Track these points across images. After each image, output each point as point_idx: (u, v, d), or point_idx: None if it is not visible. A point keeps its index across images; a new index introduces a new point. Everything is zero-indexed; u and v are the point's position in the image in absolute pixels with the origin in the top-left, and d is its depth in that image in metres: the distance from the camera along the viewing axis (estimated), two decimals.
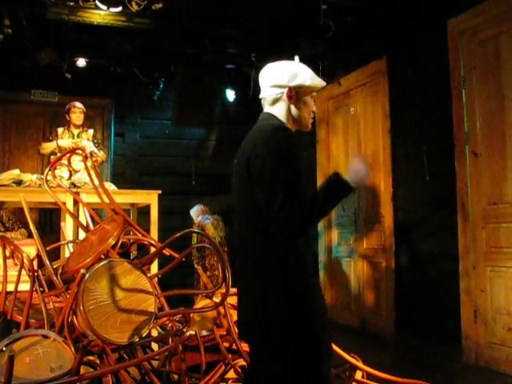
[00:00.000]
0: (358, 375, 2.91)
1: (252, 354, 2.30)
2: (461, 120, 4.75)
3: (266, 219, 2.05)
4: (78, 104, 5.97)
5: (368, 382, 2.92)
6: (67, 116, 5.99)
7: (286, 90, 2.24)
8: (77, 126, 6.02)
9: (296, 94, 2.26)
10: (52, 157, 5.85)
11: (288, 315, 2.09)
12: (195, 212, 7.00)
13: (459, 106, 4.78)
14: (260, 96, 2.34)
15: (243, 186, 2.19)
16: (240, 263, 2.25)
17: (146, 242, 3.14)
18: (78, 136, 6.03)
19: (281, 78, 2.25)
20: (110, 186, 5.15)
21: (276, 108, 2.29)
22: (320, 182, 7.18)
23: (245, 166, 2.16)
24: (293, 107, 2.28)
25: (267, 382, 2.18)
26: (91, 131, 6.18)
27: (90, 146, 5.69)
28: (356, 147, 6.53)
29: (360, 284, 6.38)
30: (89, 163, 3.42)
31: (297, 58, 2.36)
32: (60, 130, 6.06)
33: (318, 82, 2.32)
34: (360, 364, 2.94)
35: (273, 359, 2.12)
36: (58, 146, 5.73)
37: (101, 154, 6.17)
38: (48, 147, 5.91)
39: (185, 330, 2.65)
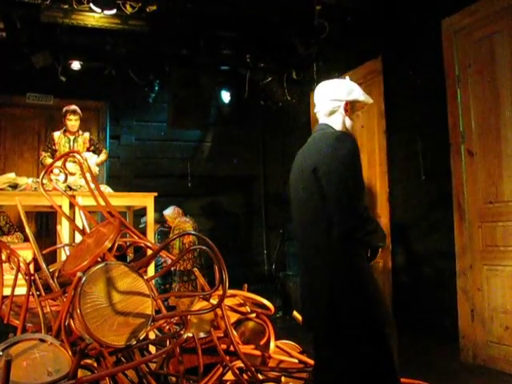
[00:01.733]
0: None
1: (319, 342, 2.48)
2: (456, 119, 4.75)
3: (332, 218, 2.33)
4: (75, 110, 5.93)
5: None
6: (63, 120, 5.98)
7: (343, 104, 2.60)
8: (72, 133, 6.02)
9: (351, 108, 2.63)
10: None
11: (354, 302, 2.34)
12: (171, 213, 6.89)
13: (454, 105, 4.79)
14: (316, 109, 2.69)
15: (309, 191, 2.45)
16: (303, 259, 2.54)
17: (142, 245, 3.14)
18: (74, 140, 6.03)
19: (339, 93, 2.60)
20: (106, 189, 5.14)
21: (332, 119, 2.63)
22: None
23: (311, 173, 2.43)
24: (347, 119, 2.64)
25: (337, 367, 2.38)
26: (87, 134, 6.17)
27: (90, 156, 5.70)
28: None
29: None
30: (84, 166, 3.42)
31: (347, 77, 2.75)
32: (56, 135, 6.04)
33: (368, 98, 2.70)
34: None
35: (342, 344, 2.35)
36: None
37: (103, 154, 6.18)
38: (48, 163, 5.92)
39: (182, 332, 2.64)
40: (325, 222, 2.37)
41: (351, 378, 2.36)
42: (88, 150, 6.07)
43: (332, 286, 2.35)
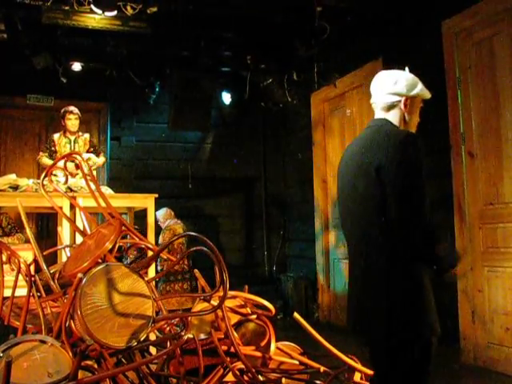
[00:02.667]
0: (357, 377, 2.90)
1: (373, 345, 2.45)
2: (456, 120, 4.76)
3: (393, 217, 2.23)
4: (73, 110, 5.94)
5: (367, 383, 2.92)
6: (62, 121, 5.98)
7: (403, 99, 2.47)
8: (72, 133, 6.02)
9: (411, 103, 2.49)
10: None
11: (409, 307, 2.29)
12: (163, 215, 6.85)
13: (455, 106, 4.79)
14: (372, 101, 2.55)
15: (369, 189, 2.31)
16: (357, 261, 2.41)
17: (143, 246, 3.14)
18: (74, 141, 6.03)
19: (400, 87, 2.49)
20: (107, 190, 5.14)
21: (390, 114, 2.48)
22: (316, 184, 7.19)
23: (374, 172, 2.27)
24: (406, 114, 2.49)
25: (391, 370, 2.35)
26: (87, 135, 6.17)
27: (92, 157, 5.71)
28: None
29: None
30: (85, 168, 3.42)
31: (407, 68, 2.69)
32: (56, 136, 6.05)
33: (428, 93, 2.61)
34: (359, 365, 2.94)
35: (393, 349, 2.32)
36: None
37: (102, 157, 6.18)
38: (47, 164, 5.92)
39: (183, 333, 2.64)
40: (384, 224, 2.28)
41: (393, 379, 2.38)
42: (87, 151, 6.08)
43: (388, 290, 2.30)
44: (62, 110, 5.98)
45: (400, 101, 2.47)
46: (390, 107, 2.48)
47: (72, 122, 5.92)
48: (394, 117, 2.48)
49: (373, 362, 2.51)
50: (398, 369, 2.35)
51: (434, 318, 2.39)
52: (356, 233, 2.43)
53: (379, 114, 2.51)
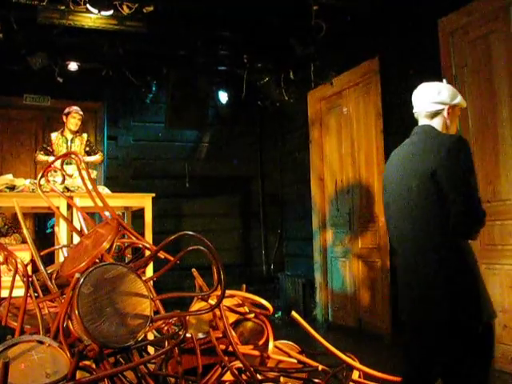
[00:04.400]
0: (355, 375, 2.91)
1: (429, 336, 2.62)
2: None
3: (460, 210, 2.47)
4: (79, 110, 6.07)
5: (365, 381, 2.93)
6: (64, 118, 6.02)
7: (446, 107, 2.73)
8: (72, 131, 6.04)
9: (452, 111, 2.75)
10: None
11: (469, 296, 2.50)
12: None
13: None
14: (415, 110, 2.83)
15: (425, 191, 2.57)
16: (412, 257, 2.62)
17: (140, 246, 3.14)
18: (71, 141, 6.04)
19: (444, 96, 2.73)
20: (104, 190, 5.14)
21: (434, 121, 2.75)
22: (313, 182, 7.20)
23: (430, 175, 2.53)
24: (448, 121, 2.76)
25: (449, 360, 2.57)
26: (85, 135, 6.21)
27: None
28: (349, 147, 6.54)
29: (355, 284, 6.39)
30: (82, 167, 3.41)
31: (445, 80, 2.95)
32: (53, 136, 6.06)
33: (465, 102, 2.88)
34: (357, 364, 2.95)
35: (459, 336, 2.53)
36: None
37: (99, 155, 6.20)
38: (42, 161, 5.94)
39: (181, 332, 2.64)
40: (440, 220, 2.53)
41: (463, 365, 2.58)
42: (84, 150, 6.10)
43: (448, 282, 2.51)
44: (67, 109, 6.09)
45: (443, 109, 2.73)
46: (434, 115, 2.75)
47: (75, 120, 6.03)
48: (437, 124, 2.75)
49: (432, 351, 2.63)
50: (468, 356, 2.55)
51: (490, 302, 2.60)
52: (412, 227, 2.64)
53: (423, 121, 2.79)
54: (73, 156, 3.79)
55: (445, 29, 4.88)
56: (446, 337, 2.55)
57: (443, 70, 4.88)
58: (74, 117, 6.02)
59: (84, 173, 3.45)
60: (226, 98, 7.96)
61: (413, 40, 5.28)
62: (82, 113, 6.09)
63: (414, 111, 2.86)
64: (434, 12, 4.93)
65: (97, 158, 6.21)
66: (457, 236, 2.52)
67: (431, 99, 2.74)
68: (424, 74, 5.16)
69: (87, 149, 6.16)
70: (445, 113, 2.73)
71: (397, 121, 5.54)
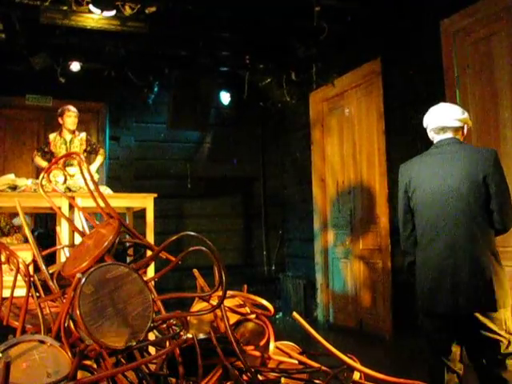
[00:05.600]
0: (356, 376, 2.90)
1: (475, 321, 2.98)
2: None
3: (494, 215, 3.01)
4: (73, 108, 5.96)
5: (366, 382, 2.92)
6: (60, 119, 5.97)
7: (466, 126, 3.26)
8: (70, 131, 6.00)
9: (468, 129, 3.33)
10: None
11: (501, 286, 2.98)
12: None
13: None
14: (442, 124, 3.21)
15: (475, 191, 3.01)
16: (462, 246, 3.02)
17: (141, 246, 3.13)
18: (70, 142, 6.01)
19: (466, 117, 3.25)
20: (106, 190, 5.15)
21: (458, 135, 3.24)
22: (315, 183, 7.20)
23: (482, 179, 3.01)
24: (462, 137, 3.28)
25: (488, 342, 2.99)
26: (83, 135, 6.14)
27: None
28: (351, 148, 6.54)
29: (357, 285, 6.39)
30: (84, 167, 3.41)
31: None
32: (52, 136, 6.03)
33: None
34: (358, 365, 2.94)
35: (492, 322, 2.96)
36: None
37: (100, 155, 6.17)
38: (40, 165, 5.92)
39: (182, 333, 2.64)
40: (488, 217, 3.03)
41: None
42: (85, 150, 6.06)
43: (488, 271, 2.97)
44: (60, 109, 5.99)
45: (463, 127, 3.25)
46: (458, 130, 3.23)
47: (72, 119, 5.92)
48: (459, 138, 3.25)
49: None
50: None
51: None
52: (459, 224, 3.04)
53: (448, 135, 3.22)
54: (74, 156, 3.79)
55: (447, 30, 4.88)
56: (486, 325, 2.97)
57: (445, 71, 4.88)
58: (69, 116, 5.93)
59: (85, 173, 3.45)
60: (228, 99, 7.96)
61: (415, 41, 5.28)
62: (75, 110, 5.98)
63: (439, 124, 3.23)
64: (437, 13, 4.93)
65: (99, 162, 6.18)
66: (496, 231, 3.07)
67: (457, 117, 3.20)
68: (426, 76, 5.17)
69: (88, 148, 6.13)
70: (465, 130, 3.27)
71: (398, 122, 5.54)
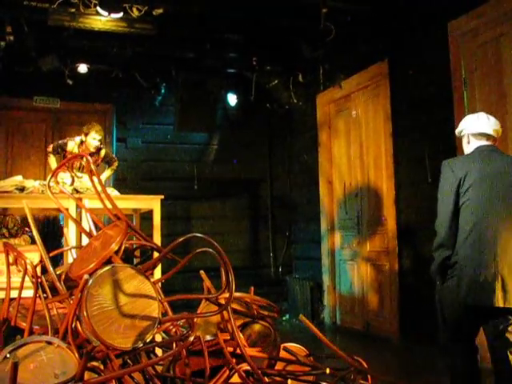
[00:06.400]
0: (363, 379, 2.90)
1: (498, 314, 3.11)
2: None
3: None
4: (99, 132, 5.84)
5: None
6: (83, 136, 5.84)
7: (497, 137, 3.42)
8: (90, 151, 5.86)
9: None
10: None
11: None
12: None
13: (461, 107, 4.78)
14: (485, 132, 3.36)
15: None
16: (497, 241, 3.13)
17: (148, 247, 3.14)
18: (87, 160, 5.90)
19: (500, 129, 3.43)
20: (113, 192, 5.15)
21: (495, 143, 3.42)
22: (322, 185, 7.19)
23: None
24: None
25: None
26: (103, 152, 6.06)
27: None
28: (358, 150, 6.53)
29: (363, 287, 6.37)
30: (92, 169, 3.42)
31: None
32: (70, 145, 5.82)
33: None
34: (364, 367, 2.93)
35: None
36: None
37: (113, 166, 6.16)
38: (52, 166, 5.89)
39: (189, 334, 2.64)
40: None
41: None
42: (97, 165, 5.99)
43: None
44: (87, 127, 5.84)
45: (496, 138, 3.41)
46: (495, 139, 3.40)
47: (96, 143, 5.81)
48: (496, 145, 3.44)
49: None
50: None
51: None
52: (503, 220, 3.18)
53: (486, 142, 3.37)
54: (82, 158, 3.80)
55: (455, 32, 4.86)
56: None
57: (453, 73, 4.87)
58: (94, 138, 5.78)
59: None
60: (235, 101, 7.97)
61: (422, 43, 5.27)
62: (102, 132, 5.87)
63: (482, 131, 3.36)
64: (444, 15, 4.92)
65: (108, 173, 6.17)
66: None
67: (496, 128, 3.40)
68: (433, 78, 5.16)
69: (103, 162, 6.12)
70: (496, 140, 3.43)
71: (406, 124, 5.53)
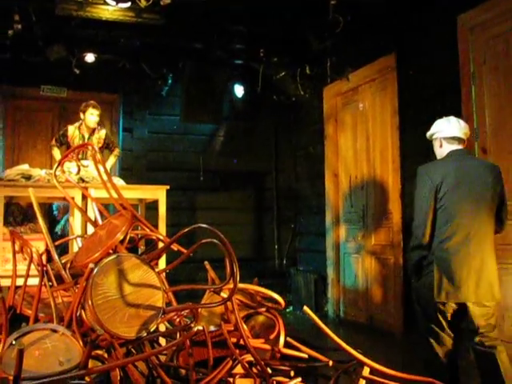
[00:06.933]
0: (366, 371, 2.90)
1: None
2: (470, 116, 4.72)
3: (498, 216, 3.49)
4: (96, 106, 5.95)
5: (375, 378, 2.92)
6: (81, 114, 5.94)
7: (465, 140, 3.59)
8: (90, 129, 5.97)
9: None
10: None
11: None
12: (60, 208, 6.73)
13: (468, 101, 4.76)
14: (458, 135, 3.53)
15: (491, 192, 3.43)
16: (467, 247, 3.37)
17: (153, 237, 3.15)
18: (88, 138, 6.00)
19: (469, 132, 3.62)
20: (119, 181, 5.17)
21: (464, 146, 3.59)
22: (327, 178, 7.18)
23: (497, 183, 3.47)
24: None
25: None
26: (103, 133, 6.12)
27: None
28: (364, 143, 6.52)
29: (368, 280, 6.38)
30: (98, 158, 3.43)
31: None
32: (70, 129, 6.00)
33: None
34: (367, 360, 2.94)
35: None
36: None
37: (116, 152, 6.18)
38: (56, 157, 5.93)
39: (192, 325, 2.65)
40: (493, 213, 3.45)
41: None
42: (100, 148, 6.04)
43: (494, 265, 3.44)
44: (84, 104, 5.96)
45: (465, 141, 3.58)
46: (464, 142, 3.57)
47: (94, 118, 5.91)
48: (466, 148, 3.63)
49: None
50: None
51: None
52: (477, 222, 3.41)
53: (458, 146, 3.55)
54: (88, 148, 3.81)
55: (464, 25, 4.83)
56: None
57: (461, 67, 4.84)
58: (91, 113, 5.90)
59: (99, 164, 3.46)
60: (242, 92, 7.95)
61: (431, 36, 5.23)
62: (99, 109, 5.98)
63: (455, 135, 3.53)
64: (453, 8, 4.88)
65: (111, 162, 6.21)
66: (496, 231, 3.54)
67: (467, 130, 3.57)
68: (441, 71, 5.13)
69: (104, 145, 6.14)
70: (465, 143, 3.58)
71: (413, 117, 5.51)
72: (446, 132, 3.55)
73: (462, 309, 3.40)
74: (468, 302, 3.34)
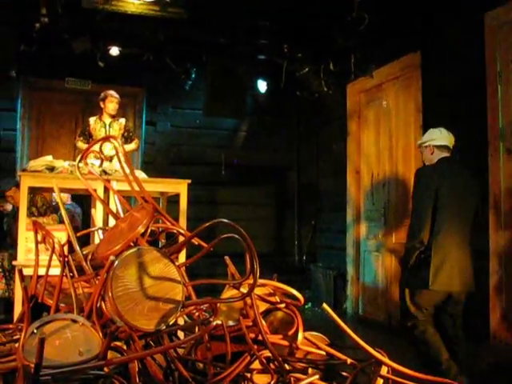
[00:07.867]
0: (384, 370, 2.89)
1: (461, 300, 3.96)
2: (495, 116, 4.66)
3: (476, 220, 3.96)
4: (115, 94, 6.08)
5: (394, 377, 2.90)
6: (102, 104, 6.06)
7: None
8: (110, 116, 6.09)
9: None
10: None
11: None
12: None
13: (494, 101, 4.69)
14: (448, 144, 4.04)
15: (474, 196, 3.98)
16: (455, 245, 3.84)
17: (174, 231, 3.16)
18: (109, 125, 6.10)
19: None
20: (141, 174, 5.18)
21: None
22: (349, 175, 7.15)
23: (479, 188, 4.06)
24: None
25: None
26: (123, 120, 6.25)
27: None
28: (387, 141, 6.47)
29: (387, 279, 6.34)
30: (120, 151, 3.45)
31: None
32: (92, 120, 6.13)
33: None
34: (386, 359, 2.92)
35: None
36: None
37: (134, 143, 6.24)
38: (81, 148, 6.01)
39: (211, 319, 2.66)
40: (473, 215, 3.94)
41: None
42: (122, 135, 6.15)
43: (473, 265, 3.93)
44: (103, 94, 6.08)
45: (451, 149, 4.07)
46: (450, 150, 4.06)
47: (114, 105, 6.05)
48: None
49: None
50: None
51: None
52: (462, 224, 3.89)
53: (447, 153, 4.03)
54: (112, 140, 3.83)
55: (491, 23, 4.76)
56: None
57: (487, 66, 4.77)
58: (111, 101, 6.05)
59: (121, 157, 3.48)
60: (265, 88, 7.95)
61: (456, 35, 5.17)
62: (118, 96, 6.11)
63: (445, 144, 4.01)
64: (480, 6, 4.81)
65: (132, 147, 6.26)
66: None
67: (452, 140, 4.06)
68: (467, 70, 5.07)
69: (125, 134, 6.21)
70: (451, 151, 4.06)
71: (437, 116, 5.45)
72: (438, 141, 4.01)
73: (448, 296, 3.89)
74: (454, 290, 3.85)
